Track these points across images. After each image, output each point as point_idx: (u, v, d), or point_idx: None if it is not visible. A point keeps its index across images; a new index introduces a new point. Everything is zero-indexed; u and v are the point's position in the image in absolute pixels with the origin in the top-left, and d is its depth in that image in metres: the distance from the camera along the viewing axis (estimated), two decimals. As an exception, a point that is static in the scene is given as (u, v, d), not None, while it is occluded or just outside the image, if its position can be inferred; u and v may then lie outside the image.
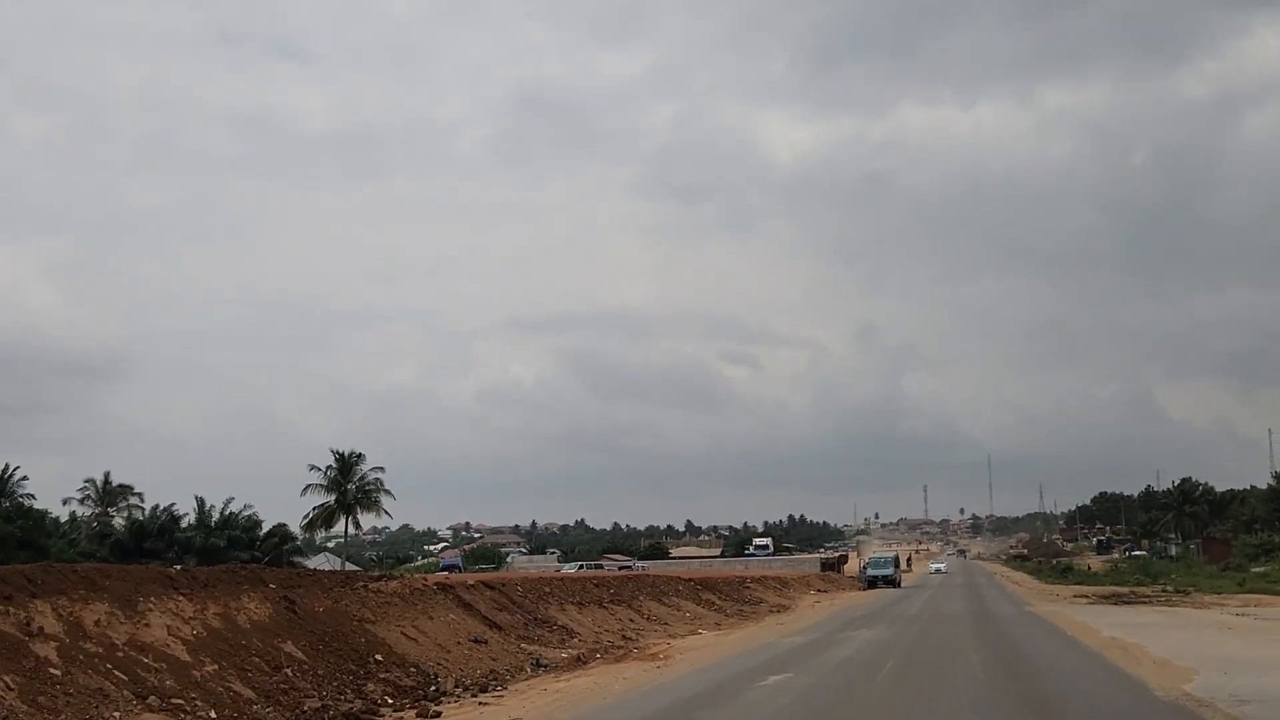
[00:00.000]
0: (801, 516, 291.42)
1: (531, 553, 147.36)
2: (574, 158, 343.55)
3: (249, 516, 73.02)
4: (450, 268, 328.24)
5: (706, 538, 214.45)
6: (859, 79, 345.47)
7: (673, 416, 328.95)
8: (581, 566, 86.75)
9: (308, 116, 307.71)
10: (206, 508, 71.95)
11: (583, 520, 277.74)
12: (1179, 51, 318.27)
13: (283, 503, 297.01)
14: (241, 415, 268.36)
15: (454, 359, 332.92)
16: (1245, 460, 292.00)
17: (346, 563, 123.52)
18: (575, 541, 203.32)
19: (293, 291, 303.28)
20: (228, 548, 68.45)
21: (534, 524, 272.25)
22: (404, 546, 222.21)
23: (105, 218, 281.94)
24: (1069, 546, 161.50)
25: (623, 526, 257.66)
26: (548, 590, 27.73)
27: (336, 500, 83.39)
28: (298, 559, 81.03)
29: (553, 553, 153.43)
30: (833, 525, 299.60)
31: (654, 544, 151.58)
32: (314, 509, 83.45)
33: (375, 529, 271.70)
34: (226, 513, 71.67)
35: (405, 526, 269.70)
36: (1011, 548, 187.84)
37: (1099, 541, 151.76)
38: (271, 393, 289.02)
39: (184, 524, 71.55)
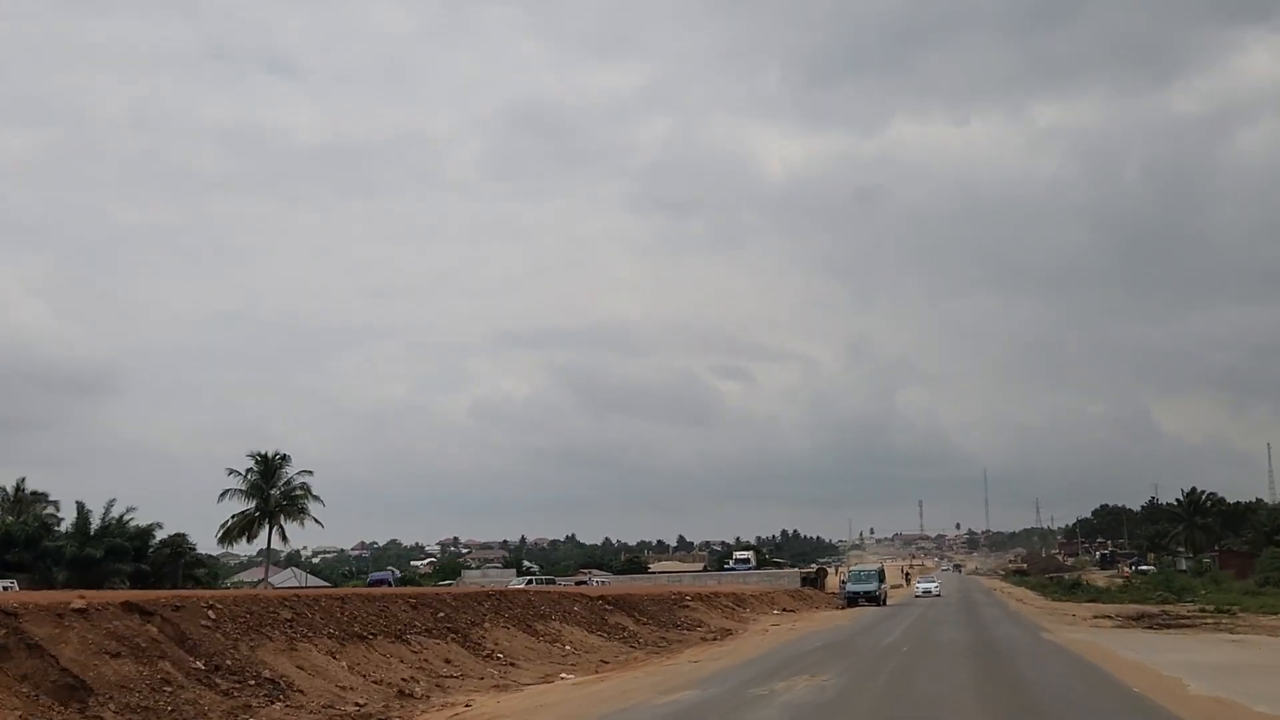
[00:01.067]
0: (795, 531, 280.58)
1: (506, 567, 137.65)
2: (566, 173, 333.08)
3: (139, 525, 61.49)
4: (442, 283, 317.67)
5: (701, 552, 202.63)
6: (851, 95, 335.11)
7: (665, 431, 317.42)
8: (530, 581, 76.15)
9: (298, 133, 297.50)
10: (85, 512, 60.61)
11: (573, 536, 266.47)
12: (1171, 67, 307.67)
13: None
14: (232, 432, 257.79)
15: (446, 375, 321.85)
16: (1241, 475, 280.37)
17: (310, 577, 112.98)
18: (563, 557, 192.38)
19: (283, 308, 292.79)
20: (106, 559, 57.29)
21: (523, 539, 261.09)
22: (389, 562, 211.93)
23: (95, 234, 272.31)
24: (1070, 561, 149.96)
25: (614, 542, 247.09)
26: (287, 617, 16.57)
27: (258, 507, 72.29)
28: (205, 573, 69.86)
29: (530, 567, 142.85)
30: (826, 540, 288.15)
31: (632, 558, 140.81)
32: (232, 517, 72.34)
33: (363, 544, 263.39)
34: (108, 519, 60.16)
35: (393, 542, 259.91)
36: (1010, 562, 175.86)
37: (1102, 556, 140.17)
38: (262, 409, 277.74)
39: (59, 531, 60.30)
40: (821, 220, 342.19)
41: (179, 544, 62.44)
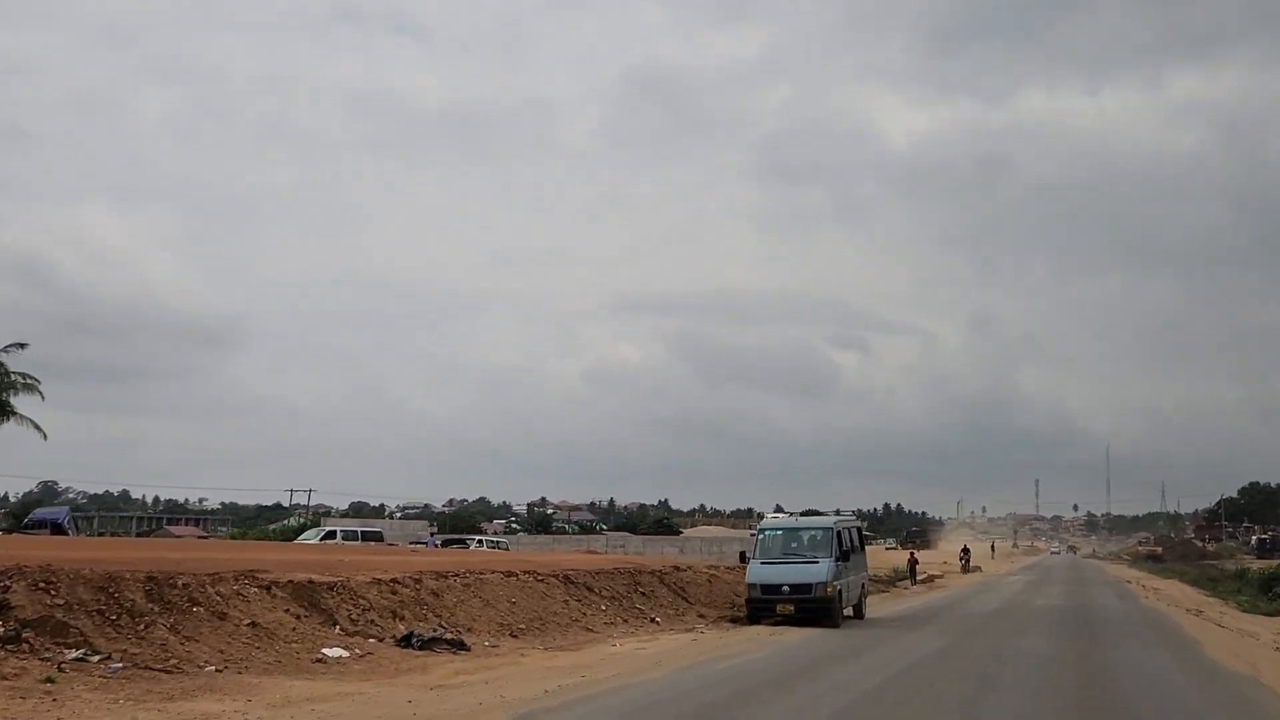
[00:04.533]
0: (898, 506, 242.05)
1: (535, 531, 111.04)
2: (684, 141, 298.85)
3: None
4: (559, 250, 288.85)
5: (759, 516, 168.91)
6: (979, 63, 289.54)
7: (777, 401, 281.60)
8: (333, 534, 44.65)
9: (422, 96, 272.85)
10: None
11: (665, 501, 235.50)
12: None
13: (392, 477, 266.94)
14: (353, 391, 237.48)
15: (559, 341, 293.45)
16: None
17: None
18: (643, 521, 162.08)
19: (404, 270, 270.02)
20: None
21: (611, 501, 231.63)
22: (473, 519, 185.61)
23: (225, 192, 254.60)
24: (1212, 547, 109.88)
25: (707, 508, 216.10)
26: None
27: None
28: None
29: (579, 530, 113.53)
30: (932, 516, 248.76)
31: (661, 520, 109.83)
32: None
33: (452, 500, 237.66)
34: None
35: (481, 499, 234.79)
36: (1140, 544, 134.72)
37: (1260, 541, 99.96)
38: (381, 369, 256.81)
39: None
40: (945, 192, 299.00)
41: None
